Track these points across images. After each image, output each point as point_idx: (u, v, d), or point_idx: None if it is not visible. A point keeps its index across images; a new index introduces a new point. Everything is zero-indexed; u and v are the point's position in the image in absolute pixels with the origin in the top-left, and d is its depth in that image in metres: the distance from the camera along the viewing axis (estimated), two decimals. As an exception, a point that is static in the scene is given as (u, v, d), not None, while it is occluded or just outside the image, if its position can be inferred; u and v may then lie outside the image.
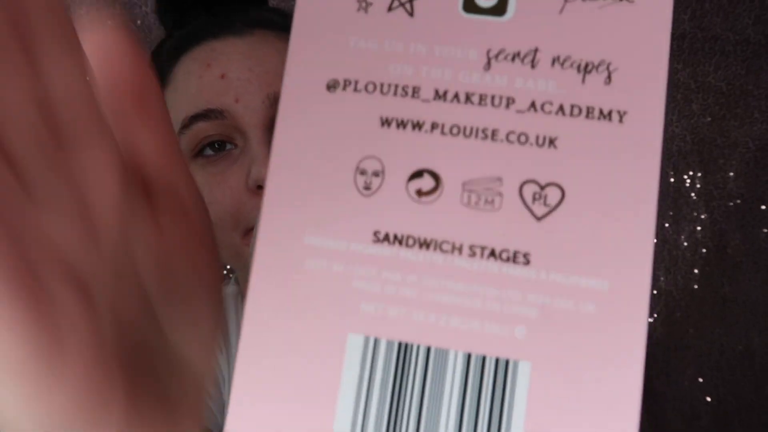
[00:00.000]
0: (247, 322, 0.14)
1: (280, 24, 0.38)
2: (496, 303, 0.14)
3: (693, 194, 0.83)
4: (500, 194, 0.14)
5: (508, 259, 0.14)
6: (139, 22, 0.81)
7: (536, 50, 0.15)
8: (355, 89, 0.15)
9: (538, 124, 0.14)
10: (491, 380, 0.14)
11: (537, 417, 0.14)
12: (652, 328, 0.85)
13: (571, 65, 0.15)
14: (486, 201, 0.14)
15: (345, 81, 0.15)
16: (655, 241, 0.82)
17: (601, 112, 0.14)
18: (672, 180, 0.83)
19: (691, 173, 0.83)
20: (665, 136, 0.75)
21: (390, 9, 0.15)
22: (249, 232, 0.36)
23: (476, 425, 0.14)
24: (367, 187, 0.14)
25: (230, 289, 0.46)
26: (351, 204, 0.14)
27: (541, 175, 0.14)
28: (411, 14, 0.15)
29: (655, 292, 0.84)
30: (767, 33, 0.80)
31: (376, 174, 0.14)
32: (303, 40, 0.15)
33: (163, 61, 0.39)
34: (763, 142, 0.81)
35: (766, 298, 0.83)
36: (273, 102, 0.35)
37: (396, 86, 0.15)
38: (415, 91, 0.15)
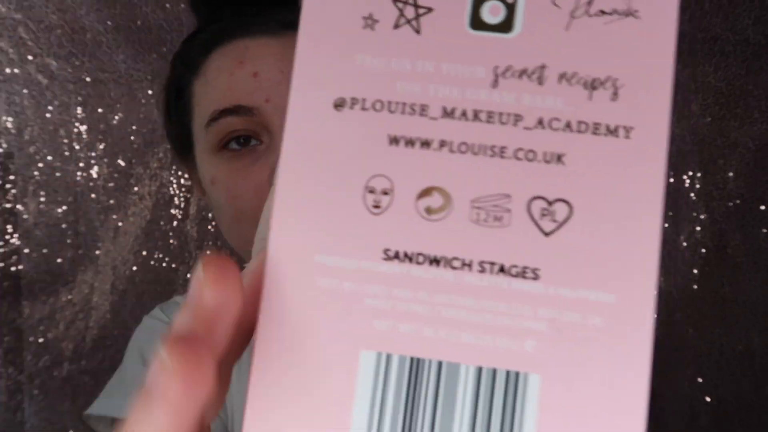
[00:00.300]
0: (260, 341, 0.15)
1: None
2: (506, 317, 0.14)
3: (692, 194, 0.83)
4: (509, 211, 0.14)
5: (517, 275, 0.14)
6: (139, 22, 0.81)
7: (543, 67, 0.15)
8: (363, 108, 0.15)
9: (545, 141, 0.14)
10: (502, 393, 0.14)
11: (547, 428, 0.14)
12: (651, 328, 0.85)
13: (578, 81, 0.15)
14: (495, 218, 0.14)
15: (352, 99, 0.15)
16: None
17: (607, 128, 0.14)
18: (671, 180, 0.83)
19: (690, 173, 0.83)
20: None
21: (396, 26, 0.15)
22: None
23: None
24: (377, 206, 0.15)
25: None
26: (361, 222, 0.14)
27: (549, 192, 0.14)
28: (418, 31, 0.15)
29: (654, 292, 0.84)
30: (767, 33, 0.80)
31: (385, 192, 0.15)
32: (309, 57, 0.15)
33: (194, 53, 0.40)
34: (762, 143, 0.81)
35: (766, 299, 0.83)
36: None
37: (404, 104, 0.15)
38: (423, 109, 0.15)
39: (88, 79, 0.81)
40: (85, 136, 0.82)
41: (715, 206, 0.83)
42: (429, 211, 0.14)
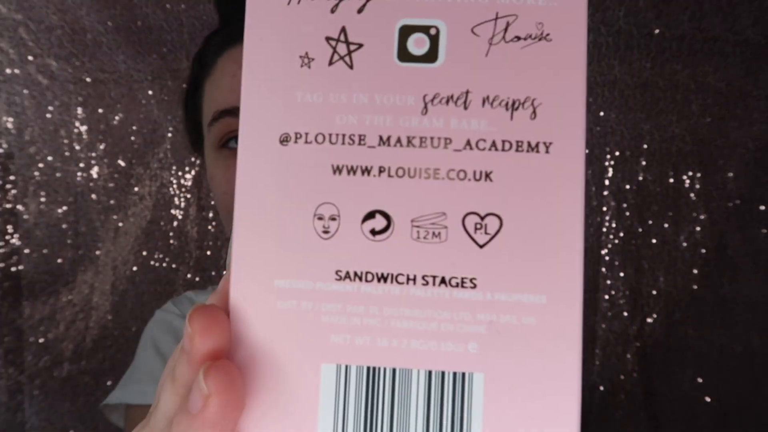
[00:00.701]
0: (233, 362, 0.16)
1: None
2: (449, 324, 0.16)
3: (692, 195, 0.83)
4: (445, 227, 0.16)
5: (457, 285, 0.16)
6: (139, 23, 0.81)
7: (467, 92, 0.16)
8: (306, 141, 0.16)
9: (474, 161, 0.16)
10: (451, 392, 0.15)
11: (493, 420, 0.15)
12: (651, 329, 0.85)
13: (500, 103, 0.16)
14: (433, 234, 0.16)
15: (296, 134, 0.16)
16: (655, 241, 0.82)
17: (529, 144, 0.16)
18: (671, 181, 0.83)
19: (690, 174, 0.83)
20: (665, 137, 0.75)
21: (331, 63, 0.16)
22: None
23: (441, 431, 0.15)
24: (326, 231, 0.16)
25: None
26: (313, 247, 0.16)
27: (481, 207, 0.16)
28: (351, 66, 0.16)
29: (654, 292, 0.84)
30: (767, 34, 0.80)
31: (332, 218, 0.16)
32: (253, 96, 0.17)
33: (209, 53, 0.42)
34: (762, 143, 0.81)
35: (766, 299, 0.83)
36: None
37: (343, 135, 0.16)
38: (362, 139, 0.16)
39: (88, 79, 0.81)
40: (85, 137, 0.82)
41: (714, 206, 0.83)
42: (374, 232, 0.16)
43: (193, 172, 0.83)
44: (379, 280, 0.16)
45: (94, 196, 0.83)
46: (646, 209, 0.83)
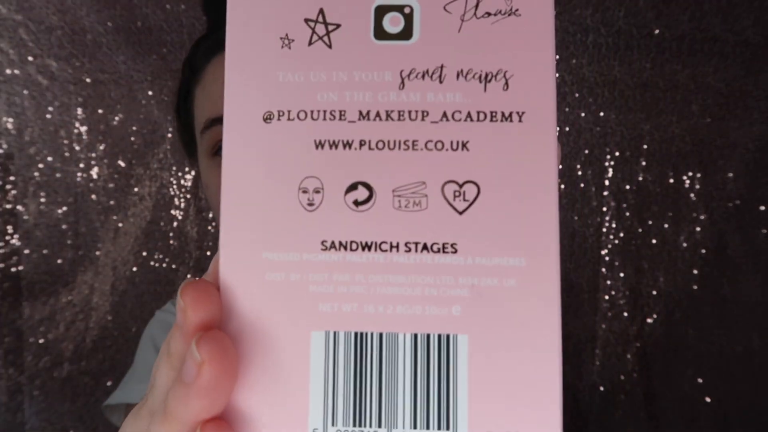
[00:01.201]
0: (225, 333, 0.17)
1: None
2: (433, 289, 0.16)
3: (692, 195, 0.83)
4: (425, 196, 0.17)
5: (438, 251, 0.16)
6: (139, 23, 0.81)
7: (442, 67, 0.17)
8: (289, 118, 0.17)
9: (450, 132, 0.17)
10: (436, 354, 0.16)
11: (478, 379, 0.16)
12: (651, 329, 0.85)
13: (474, 76, 0.17)
14: (414, 203, 0.17)
15: (279, 112, 0.17)
16: (655, 241, 0.82)
17: (503, 114, 0.17)
18: (671, 181, 0.83)
19: (690, 174, 0.83)
20: (665, 137, 0.75)
21: (310, 43, 0.17)
22: None
23: (428, 391, 0.16)
24: (311, 203, 0.17)
25: None
26: (298, 220, 0.17)
27: (459, 175, 0.17)
28: (329, 46, 0.17)
29: (654, 292, 0.84)
30: (767, 34, 0.80)
31: (316, 191, 0.17)
32: (236, 77, 0.17)
33: (199, 59, 0.41)
34: (762, 143, 0.81)
35: (766, 299, 0.83)
36: None
37: (324, 112, 0.17)
38: (342, 114, 0.17)
39: (88, 80, 0.81)
40: (85, 137, 0.82)
41: (714, 207, 0.83)
42: (356, 203, 0.17)
43: (192, 173, 0.83)
44: (363, 249, 0.16)
45: (94, 196, 0.83)
46: (646, 209, 0.83)
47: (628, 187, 0.83)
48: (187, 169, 0.83)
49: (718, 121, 0.81)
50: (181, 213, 0.83)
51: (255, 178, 0.17)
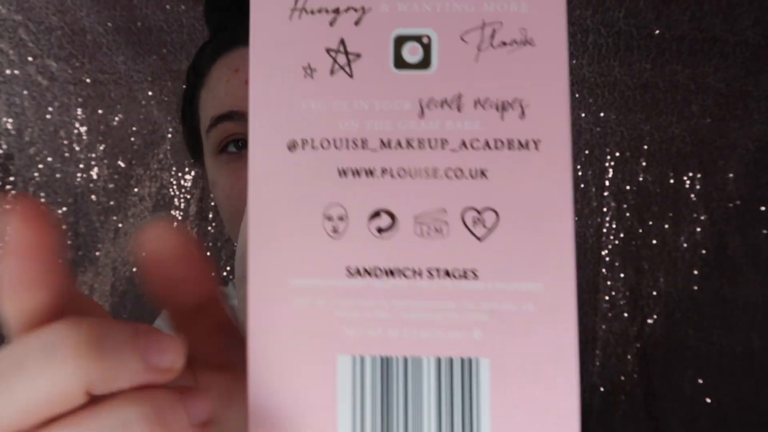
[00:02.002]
0: (252, 359, 0.17)
1: None
2: (454, 313, 0.17)
3: (692, 195, 0.83)
4: (446, 222, 0.17)
5: (460, 277, 0.17)
6: (139, 24, 0.81)
7: (460, 96, 0.17)
8: (312, 147, 0.17)
9: (469, 160, 0.17)
10: (459, 377, 0.17)
11: (499, 401, 0.16)
12: (651, 329, 0.85)
13: (491, 105, 0.17)
14: (435, 230, 0.17)
15: (302, 140, 0.17)
16: (655, 242, 0.82)
17: (519, 142, 0.17)
18: (671, 181, 0.83)
19: (690, 174, 0.83)
20: (665, 137, 0.75)
21: (332, 73, 0.17)
22: None
23: (452, 413, 0.16)
24: (335, 230, 0.17)
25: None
26: (324, 247, 0.17)
27: (478, 202, 0.17)
28: (351, 75, 0.17)
29: (654, 293, 0.84)
30: (767, 35, 0.80)
31: (341, 218, 0.17)
32: (261, 106, 0.18)
33: (202, 62, 0.43)
34: (762, 144, 0.81)
35: (766, 300, 0.83)
36: None
37: (347, 140, 0.17)
38: (364, 143, 0.17)
39: (88, 80, 0.81)
40: (85, 138, 0.82)
41: (715, 207, 0.83)
42: (380, 230, 0.17)
43: (192, 173, 0.83)
44: (387, 275, 0.17)
45: (93, 197, 0.83)
46: (646, 210, 0.83)
47: (628, 187, 0.83)
48: (187, 169, 0.83)
49: (719, 121, 0.81)
50: (181, 214, 0.84)
51: (280, 205, 0.17)
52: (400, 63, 0.17)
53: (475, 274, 0.17)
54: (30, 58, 0.80)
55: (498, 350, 0.17)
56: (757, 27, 0.80)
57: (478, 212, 0.17)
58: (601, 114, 0.82)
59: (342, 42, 0.17)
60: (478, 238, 0.17)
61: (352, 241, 0.17)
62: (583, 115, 0.82)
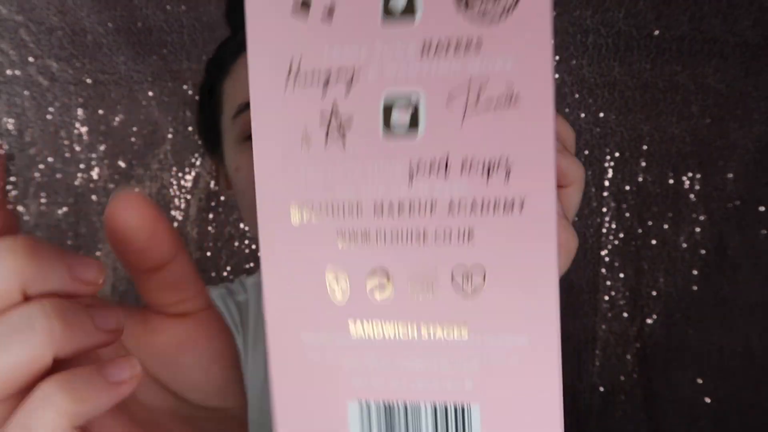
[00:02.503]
0: (277, 408, 0.19)
1: None
2: (448, 365, 0.18)
3: (692, 196, 0.83)
4: (437, 281, 0.18)
5: (451, 332, 0.18)
6: (140, 24, 0.81)
7: (447, 158, 0.18)
8: (313, 212, 0.19)
9: (457, 221, 0.18)
10: (453, 421, 0.19)
11: None
12: (650, 330, 0.85)
13: (477, 167, 0.18)
14: (428, 288, 0.18)
15: (304, 206, 0.19)
16: (655, 242, 0.82)
17: (504, 203, 0.18)
18: (671, 182, 0.83)
19: (690, 175, 0.83)
20: (665, 138, 0.75)
21: (326, 142, 0.18)
22: None
23: None
24: (338, 290, 0.19)
25: (253, 279, 0.55)
26: (328, 307, 0.19)
27: (466, 261, 0.18)
28: (343, 144, 0.19)
29: (654, 293, 0.84)
30: (767, 35, 0.80)
31: (342, 280, 0.19)
32: (263, 175, 0.19)
33: (226, 57, 0.45)
34: (762, 144, 0.81)
35: (766, 300, 0.84)
36: None
37: (343, 205, 0.19)
38: (359, 207, 0.18)
39: (88, 80, 0.81)
40: (85, 138, 0.82)
41: (714, 208, 0.83)
42: (377, 290, 0.19)
43: (193, 173, 0.83)
44: (386, 331, 0.19)
45: (94, 197, 0.83)
46: (645, 210, 0.83)
47: (628, 187, 0.83)
48: (187, 169, 0.83)
49: (718, 121, 0.82)
50: (182, 214, 0.84)
51: (288, 267, 0.19)
52: (389, 129, 0.18)
53: (465, 329, 0.18)
54: (31, 59, 0.80)
55: (488, 398, 0.19)
56: (757, 27, 0.80)
57: (467, 271, 0.18)
58: (601, 114, 0.82)
59: (333, 112, 0.18)
60: (468, 296, 0.18)
61: (353, 299, 0.19)
62: (583, 115, 0.82)
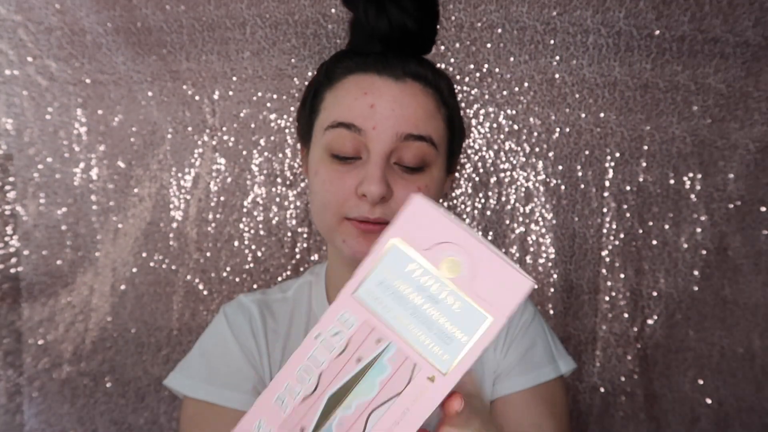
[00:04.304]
0: None
1: (428, 78, 0.49)
2: None
3: (693, 196, 0.83)
4: None
5: None
6: (139, 24, 0.81)
7: None
8: None
9: None
10: None
11: None
12: (651, 330, 0.85)
13: None
14: None
15: None
16: (655, 242, 0.82)
17: None
18: (672, 182, 0.83)
19: (691, 175, 0.83)
20: (666, 138, 0.75)
21: None
22: (342, 220, 0.48)
23: None
24: None
25: (306, 278, 0.59)
26: None
27: None
28: None
29: (654, 294, 0.84)
30: (767, 35, 0.80)
31: None
32: None
33: (337, 71, 0.50)
34: (763, 144, 0.81)
35: (767, 300, 0.83)
36: (398, 139, 0.46)
37: None
38: None
39: (87, 80, 0.81)
40: (84, 138, 0.82)
41: (715, 208, 0.83)
42: None
43: (192, 174, 0.83)
44: None
45: (93, 197, 0.83)
46: (646, 210, 0.83)
47: (628, 188, 0.83)
48: (186, 169, 0.83)
49: (719, 122, 0.81)
50: (181, 214, 0.83)
51: None
52: None
53: None
54: (29, 59, 0.80)
55: None
56: (758, 28, 0.80)
57: None
58: (601, 114, 0.82)
59: None
60: None
61: None
62: (583, 115, 0.82)
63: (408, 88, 0.48)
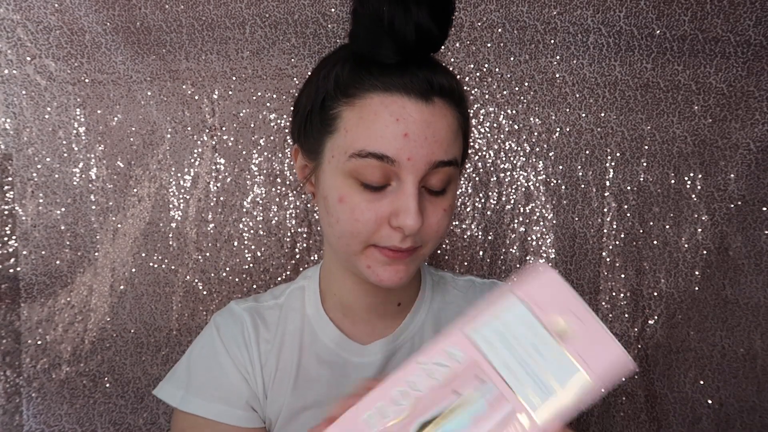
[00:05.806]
0: None
1: (452, 91, 0.46)
2: None
3: (694, 196, 0.83)
4: None
5: None
6: (138, 24, 0.81)
7: None
8: None
9: None
10: None
11: None
12: (652, 330, 0.84)
13: None
14: None
15: None
16: (656, 242, 0.82)
17: None
18: (673, 182, 0.83)
19: (691, 175, 0.82)
20: (666, 137, 0.75)
21: None
22: (367, 247, 0.46)
23: None
24: None
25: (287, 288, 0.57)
26: None
27: None
28: None
29: (655, 294, 0.84)
30: (768, 34, 0.80)
31: None
32: None
33: (356, 85, 0.46)
34: (764, 144, 0.81)
35: (768, 301, 0.83)
36: (432, 166, 0.44)
37: None
38: None
39: (87, 80, 0.81)
40: (83, 138, 0.82)
41: (716, 208, 0.83)
42: None
43: (192, 173, 0.83)
44: None
45: (92, 197, 0.82)
46: (647, 210, 0.83)
47: (629, 187, 0.83)
48: (186, 169, 0.82)
49: (720, 121, 0.81)
50: (180, 214, 0.83)
51: None
52: None
53: None
54: (28, 58, 0.80)
55: None
56: (759, 27, 0.80)
57: None
58: (602, 114, 0.82)
59: None
60: None
61: None
62: (584, 114, 0.82)
63: (437, 109, 0.45)
